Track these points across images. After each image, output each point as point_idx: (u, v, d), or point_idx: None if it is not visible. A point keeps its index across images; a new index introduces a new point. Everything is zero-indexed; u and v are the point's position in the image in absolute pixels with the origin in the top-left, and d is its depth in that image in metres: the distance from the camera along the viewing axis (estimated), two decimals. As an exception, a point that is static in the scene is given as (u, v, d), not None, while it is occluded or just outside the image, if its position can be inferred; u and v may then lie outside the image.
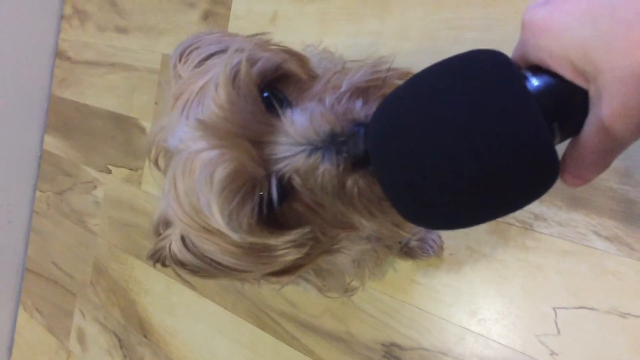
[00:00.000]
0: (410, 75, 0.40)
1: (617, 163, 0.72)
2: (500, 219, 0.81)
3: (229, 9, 1.23)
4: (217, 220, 0.40)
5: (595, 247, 0.73)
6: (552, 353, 0.76)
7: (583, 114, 0.35)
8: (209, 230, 0.42)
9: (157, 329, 1.34)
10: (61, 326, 1.63)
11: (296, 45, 0.93)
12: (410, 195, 0.37)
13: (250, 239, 0.41)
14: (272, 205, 0.42)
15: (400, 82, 0.41)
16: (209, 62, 0.49)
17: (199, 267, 0.47)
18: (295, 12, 1.10)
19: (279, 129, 0.42)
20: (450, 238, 0.86)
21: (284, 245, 0.44)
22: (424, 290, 0.89)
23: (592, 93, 0.34)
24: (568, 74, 0.34)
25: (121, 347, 1.43)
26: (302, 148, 0.41)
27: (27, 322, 1.77)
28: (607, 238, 0.73)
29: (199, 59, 0.49)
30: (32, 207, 1.78)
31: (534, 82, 0.36)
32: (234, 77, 0.42)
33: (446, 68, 0.37)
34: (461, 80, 0.35)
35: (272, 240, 0.42)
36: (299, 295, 1.05)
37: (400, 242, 0.84)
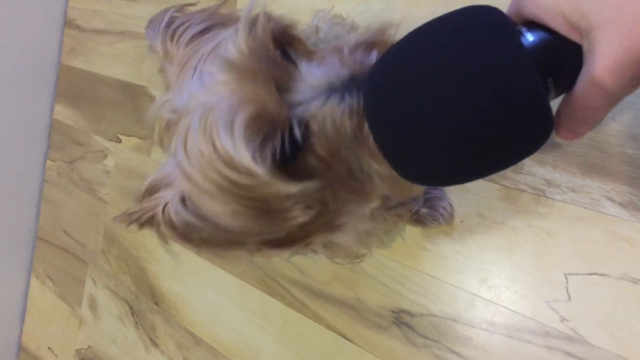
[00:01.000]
0: None
1: (633, 128, 0.71)
2: (512, 186, 0.80)
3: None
4: (244, 157, 0.39)
5: (609, 213, 0.73)
6: (563, 319, 0.76)
7: (577, 70, 0.35)
8: (222, 185, 0.41)
9: (167, 296, 1.35)
10: (73, 294, 1.65)
11: (307, 11, 0.92)
12: (407, 150, 0.38)
13: (269, 180, 0.40)
14: (288, 154, 0.42)
15: None
16: (207, 35, 0.49)
17: (194, 231, 0.46)
18: (306, -23, 1.08)
19: (297, 77, 0.43)
20: (462, 206, 0.85)
21: (294, 202, 0.43)
22: (433, 258, 0.88)
23: (585, 48, 0.34)
24: (562, 29, 0.34)
25: (133, 314, 1.45)
26: (321, 91, 0.42)
27: (39, 290, 1.79)
28: (620, 204, 0.72)
29: (191, 35, 0.49)
30: (43, 177, 1.78)
31: (529, 37, 0.36)
32: (253, 25, 0.42)
33: (443, 25, 0.37)
34: (457, 37, 0.36)
35: (289, 188, 0.41)
36: (308, 263, 1.06)
37: (410, 210, 0.84)
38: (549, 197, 0.77)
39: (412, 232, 0.90)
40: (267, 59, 0.42)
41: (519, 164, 0.76)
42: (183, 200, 0.46)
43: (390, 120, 0.37)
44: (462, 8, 0.37)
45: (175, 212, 0.47)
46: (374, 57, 0.43)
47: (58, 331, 1.70)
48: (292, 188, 0.41)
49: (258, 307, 1.15)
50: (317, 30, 0.81)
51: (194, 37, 0.50)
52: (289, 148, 0.42)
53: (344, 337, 1.00)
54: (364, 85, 0.40)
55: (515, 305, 0.80)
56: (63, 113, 1.70)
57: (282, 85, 0.42)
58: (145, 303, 1.41)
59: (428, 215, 0.85)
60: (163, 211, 0.48)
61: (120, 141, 1.48)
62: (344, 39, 0.49)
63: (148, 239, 1.40)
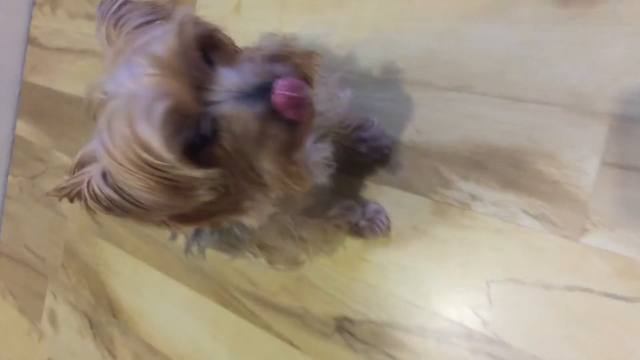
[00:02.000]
0: (312, 55, 0.52)
1: (545, 147, 0.78)
2: (441, 200, 0.87)
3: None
4: (156, 141, 0.46)
5: (524, 225, 0.79)
6: (484, 323, 0.82)
7: None
8: (137, 164, 0.47)
9: (125, 309, 1.38)
10: (33, 308, 1.67)
11: (255, 34, 0.98)
12: None
13: (180, 168, 0.47)
14: (197, 144, 0.49)
15: (302, 60, 0.52)
16: (144, 28, 0.55)
17: (114, 203, 0.52)
18: (258, 1, 1.14)
19: (214, 79, 0.49)
20: (397, 219, 0.91)
21: (199, 183, 0.50)
22: (372, 267, 0.94)
23: None
24: None
25: (91, 327, 1.47)
26: (233, 94, 0.48)
27: (-1, 305, 1.81)
28: (534, 216, 0.79)
29: (133, 25, 0.55)
30: (4, 192, 1.80)
31: None
32: (182, 30, 0.49)
33: None
34: None
35: (193, 172, 0.48)
36: (259, 274, 1.11)
37: (349, 222, 0.90)
38: (473, 210, 0.84)
39: (352, 243, 0.96)
40: (189, 60, 0.49)
41: (447, 180, 0.83)
42: (104, 175, 0.52)
43: None
44: None
45: (97, 186, 0.52)
46: (279, 68, 0.51)
47: (18, 345, 1.72)
48: (195, 173, 0.48)
49: (212, 318, 1.20)
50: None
51: (134, 28, 0.56)
52: (199, 139, 0.49)
53: (291, 344, 1.05)
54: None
55: (444, 311, 0.86)
56: (25, 129, 1.73)
57: (200, 85, 0.48)
58: (104, 316, 1.44)
59: (366, 227, 0.91)
60: (88, 185, 0.53)
61: (81, 157, 1.51)
62: (257, 48, 0.55)
63: (107, 252, 1.43)
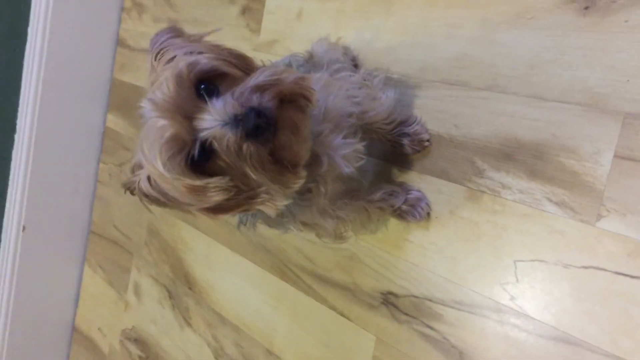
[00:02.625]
0: (302, 80, 0.67)
1: (566, 141, 0.87)
2: (475, 188, 0.97)
3: (264, 5, 1.41)
4: (159, 165, 0.64)
5: (547, 211, 0.89)
6: (512, 297, 0.92)
7: None
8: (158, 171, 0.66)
9: (199, 282, 1.56)
10: (120, 280, 1.88)
11: (313, 38, 1.10)
12: None
13: (183, 179, 0.65)
14: (200, 159, 0.65)
15: (292, 84, 0.67)
16: (174, 60, 0.70)
17: (156, 198, 0.70)
18: (317, 8, 1.27)
19: (205, 109, 0.65)
20: (436, 204, 1.02)
21: (211, 187, 0.66)
22: (414, 247, 1.06)
23: None
24: None
25: (170, 297, 1.66)
26: (217, 123, 0.63)
27: (91, 278, 2.04)
28: (556, 203, 0.88)
29: (169, 57, 0.71)
30: (96, 178, 2.03)
31: None
32: (179, 75, 0.66)
33: None
34: None
35: (198, 182, 0.65)
36: (316, 252, 1.24)
37: (392, 205, 1.02)
38: (503, 197, 0.94)
39: (396, 225, 1.08)
40: (185, 98, 0.65)
41: (480, 170, 0.93)
42: (149, 179, 0.70)
43: None
44: None
45: (144, 185, 0.70)
46: (254, 98, 0.65)
47: (106, 314, 1.94)
48: (197, 182, 0.65)
49: (274, 291, 1.34)
50: (311, 56, 0.99)
51: (170, 60, 0.72)
52: (197, 156, 0.65)
53: (343, 315, 1.18)
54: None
55: (476, 287, 0.97)
56: (114, 122, 1.94)
57: (193, 116, 0.64)
58: (181, 288, 1.62)
59: (408, 212, 1.03)
60: (139, 184, 0.71)
61: (162, 147, 1.69)
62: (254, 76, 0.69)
63: (184, 231, 1.61)
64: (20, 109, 1.85)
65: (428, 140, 1.02)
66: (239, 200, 0.70)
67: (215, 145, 0.64)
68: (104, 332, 1.96)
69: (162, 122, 0.64)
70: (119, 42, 1.94)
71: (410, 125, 1.02)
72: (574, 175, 0.86)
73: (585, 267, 0.85)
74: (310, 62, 0.99)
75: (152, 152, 0.65)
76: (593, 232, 0.84)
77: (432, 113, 1.03)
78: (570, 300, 0.86)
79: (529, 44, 0.92)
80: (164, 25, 1.68)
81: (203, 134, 0.64)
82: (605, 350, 0.82)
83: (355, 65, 1.13)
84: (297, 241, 1.28)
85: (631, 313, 0.80)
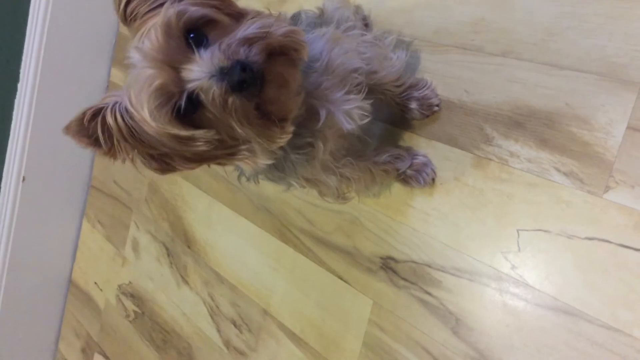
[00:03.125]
0: (293, 33, 0.67)
1: (580, 111, 0.85)
2: (482, 155, 0.96)
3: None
4: (146, 114, 0.64)
5: (555, 181, 0.88)
6: (512, 266, 0.92)
7: None
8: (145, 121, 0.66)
9: (198, 240, 1.55)
10: (118, 236, 1.88)
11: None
12: None
13: (170, 129, 0.65)
14: (188, 110, 0.65)
15: (282, 37, 0.66)
16: (154, 13, 0.69)
17: (119, 132, 0.68)
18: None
19: (192, 60, 0.64)
20: (441, 170, 1.01)
21: (196, 138, 0.67)
22: (416, 213, 1.05)
23: None
24: None
25: (168, 255, 1.66)
26: (204, 75, 0.63)
27: (89, 232, 2.04)
28: (564, 173, 0.87)
29: (150, 8, 0.69)
30: (98, 132, 2.01)
31: None
32: (167, 24, 0.64)
33: None
34: None
35: (184, 132, 0.66)
36: (317, 215, 1.24)
37: (398, 169, 1.01)
38: (510, 166, 0.93)
39: (399, 190, 1.07)
40: (173, 48, 0.64)
41: (489, 137, 0.92)
42: (126, 109, 0.68)
43: None
44: None
45: (119, 113, 0.68)
46: (242, 51, 0.64)
47: (104, 268, 1.94)
48: (183, 132, 0.66)
49: (273, 252, 1.34)
50: (322, 12, 0.98)
51: (146, 13, 0.70)
52: (184, 107, 0.64)
53: (342, 279, 1.18)
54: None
55: (477, 255, 0.97)
56: (119, 76, 1.92)
57: (181, 66, 0.64)
58: (179, 246, 1.62)
59: (412, 177, 1.02)
60: (112, 108, 0.68)
61: (166, 104, 1.68)
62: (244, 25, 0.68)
63: (185, 189, 1.61)
64: (24, 58, 1.83)
65: (437, 105, 1.01)
66: (218, 152, 0.71)
67: (202, 96, 0.64)
68: (100, 287, 1.96)
69: (149, 71, 0.63)
70: (127, -4, 1.91)
71: (420, 89, 1.00)
72: (584, 146, 0.85)
73: (589, 239, 0.84)
74: (321, 18, 0.97)
75: (138, 100, 0.64)
76: (600, 204, 0.84)
77: (443, 78, 1.01)
78: (571, 271, 0.86)
79: (547, 10, 0.90)
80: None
81: (190, 85, 0.64)
82: (604, 321, 0.82)
83: (366, 24, 1.11)
84: (298, 203, 1.28)
85: (633, 285, 0.80)
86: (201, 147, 0.68)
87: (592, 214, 0.84)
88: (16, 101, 1.86)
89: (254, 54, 0.64)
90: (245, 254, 1.42)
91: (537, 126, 0.90)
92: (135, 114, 0.66)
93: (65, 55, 1.85)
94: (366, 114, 0.83)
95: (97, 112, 0.68)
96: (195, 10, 0.67)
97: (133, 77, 0.65)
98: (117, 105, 0.67)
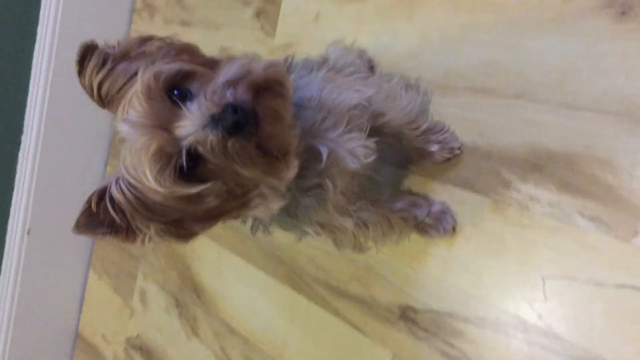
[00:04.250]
0: (272, 66, 0.65)
1: (600, 153, 0.83)
2: (501, 200, 0.93)
3: (279, 7, 1.37)
4: (150, 181, 0.61)
5: (579, 226, 0.85)
6: (539, 316, 0.88)
7: None
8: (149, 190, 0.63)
9: (208, 290, 1.52)
10: (126, 287, 1.84)
11: (328, 41, 1.06)
12: None
13: (175, 189, 0.62)
14: (189, 166, 0.63)
15: (263, 72, 0.65)
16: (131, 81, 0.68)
17: (130, 205, 0.65)
18: (336, 11, 1.23)
19: (181, 116, 0.62)
20: (458, 215, 0.98)
21: (205, 194, 0.64)
22: (435, 260, 1.02)
23: None
24: None
25: (177, 306, 1.62)
26: (195, 127, 0.61)
27: (96, 283, 2.00)
28: (588, 218, 0.84)
29: (123, 82, 0.69)
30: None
31: None
32: (147, 88, 0.63)
33: None
34: None
35: (192, 190, 0.63)
36: (331, 263, 1.20)
37: (416, 217, 0.97)
38: (530, 210, 0.90)
39: (417, 237, 1.03)
40: (159, 110, 0.63)
41: (507, 181, 0.89)
42: (129, 184, 0.65)
43: None
44: None
45: (119, 190, 0.65)
46: (229, 94, 0.62)
47: (111, 321, 1.90)
48: (192, 190, 0.63)
49: (286, 302, 1.30)
50: (325, 60, 0.96)
51: (121, 88, 0.69)
52: (186, 165, 0.62)
53: (359, 329, 1.14)
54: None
55: (501, 304, 0.93)
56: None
57: (172, 125, 0.62)
58: (189, 297, 1.58)
59: (431, 225, 0.98)
60: (110, 190, 0.66)
61: (171, 151, 1.66)
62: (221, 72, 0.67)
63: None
64: (27, 109, 1.82)
65: (459, 148, 0.98)
66: (230, 207, 0.69)
67: (200, 149, 0.62)
68: (107, 340, 1.92)
69: (142, 138, 0.62)
70: (129, 44, 1.91)
71: (437, 133, 0.97)
72: (608, 189, 0.82)
73: (620, 286, 0.80)
74: (325, 65, 0.95)
75: (140, 170, 0.62)
76: (629, 249, 0.80)
77: (455, 121, 0.99)
78: (602, 320, 0.82)
79: (560, 51, 0.88)
80: (175, 27, 1.65)
81: (186, 142, 0.62)
82: (641, 374, 0.78)
83: (371, 67, 1.09)
84: (310, 251, 1.24)
85: (670, 336, 0.76)
86: (212, 202, 0.66)
87: (621, 260, 0.80)
88: (20, 153, 1.84)
89: (241, 94, 0.63)
90: (257, 304, 1.38)
91: (557, 169, 0.87)
92: (139, 184, 0.63)
93: (69, 103, 1.81)
94: (370, 152, 0.81)
95: (103, 194, 0.66)
96: (170, 68, 0.66)
97: (127, 150, 0.63)
98: (120, 179, 0.65)
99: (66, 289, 2.04)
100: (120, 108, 0.66)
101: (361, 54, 1.09)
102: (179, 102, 0.63)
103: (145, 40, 0.73)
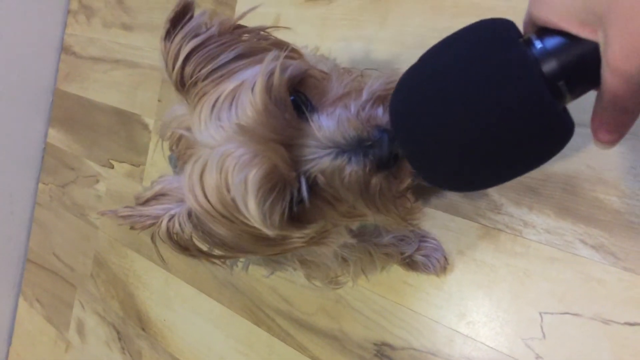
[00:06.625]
0: (390, 80, 0.46)
1: (604, 174, 0.74)
2: (491, 225, 0.83)
3: (234, 10, 1.25)
4: (255, 218, 0.44)
5: (581, 255, 0.76)
6: (538, 357, 0.78)
7: (596, 66, 0.35)
8: (231, 220, 0.46)
9: (155, 322, 1.36)
10: (61, 317, 1.65)
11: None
12: (435, 161, 0.40)
13: (280, 233, 0.46)
14: (299, 202, 0.46)
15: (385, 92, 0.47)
16: (231, 68, 0.50)
17: (193, 244, 0.51)
18: (298, 15, 1.12)
19: (307, 132, 0.46)
20: (442, 242, 0.88)
21: (299, 236, 0.48)
22: (415, 292, 0.91)
23: (600, 41, 0.34)
24: (574, 29, 0.35)
25: (119, 339, 1.46)
26: (328, 151, 0.45)
27: (27, 312, 1.80)
28: (592, 246, 0.75)
29: (218, 65, 0.51)
30: (34, 199, 1.80)
31: (537, 44, 0.37)
32: (270, 85, 0.45)
33: (451, 42, 0.41)
34: (464, 53, 0.39)
35: (297, 233, 0.47)
36: (294, 293, 1.08)
37: (402, 253, 0.86)
38: (525, 238, 0.80)
39: (395, 266, 0.92)
40: (281, 118, 0.45)
41: (497, 204, 0.80)
42: (189, 214, 0.50)
43: (417, 140, 0.40)
44: (471, 24, 0.40)
45: (181, 224, 0.50)
46: (380, 113, 0.47)
47: (44, 354, 1.71)
48: (296, 234, 0.47)
49: (244, 336, 1.17)
50: None
51: (219, 67, 0.51)
52: (306, 195, 0.46)
53: (327, 368, 1.02)
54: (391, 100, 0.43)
55: (492, 342, 0.83)
56: (57, 137, 1.73)
57: (293, 142, 0.45)
58: (133, 328, 1.42)
59: (421, 263, 0.87)
60: (170, 221, 0.51)
61: (112, 167, 1.50)
62: (352, 84, 0.52)
63: (137, 264, 1.42)
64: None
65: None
66: (302, 244, 0.52)
67: (322, 181, 0.47)
68: (40, 376, 1.73)
69: (251, 153, 0.44)
70: (64, 49, 1.74)
71: None
72: (614, 214, 0.73)
73: (631, 324, 0.72)
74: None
75: (238, 198, 0.45)
76: (639, 282, 0.71)
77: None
78: (610, 361, 0.73)
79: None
80: (116, 31, 1.50)
81: (310, 167, 0.46)
82: None
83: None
84: (270, 280, 1.12)
85: (688, 380, 0.68)
86: (297, 244, 0.50)
87: (631, 295, 0.72)
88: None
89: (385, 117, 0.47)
90: (210, 337, 1.24)
91: (555, 192, 0.78)
92: (224, 208, 0.46)
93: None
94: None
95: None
96: (296, 65, 0.49)
97: (214, 164, 0.45)
98: (182, 212, 0.50)
99: (-8, 318, 1.83)
100: (205, 103, 0.48)
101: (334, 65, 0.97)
102: (306, 112, 0.47)
103: (236, 28, 0.56)
